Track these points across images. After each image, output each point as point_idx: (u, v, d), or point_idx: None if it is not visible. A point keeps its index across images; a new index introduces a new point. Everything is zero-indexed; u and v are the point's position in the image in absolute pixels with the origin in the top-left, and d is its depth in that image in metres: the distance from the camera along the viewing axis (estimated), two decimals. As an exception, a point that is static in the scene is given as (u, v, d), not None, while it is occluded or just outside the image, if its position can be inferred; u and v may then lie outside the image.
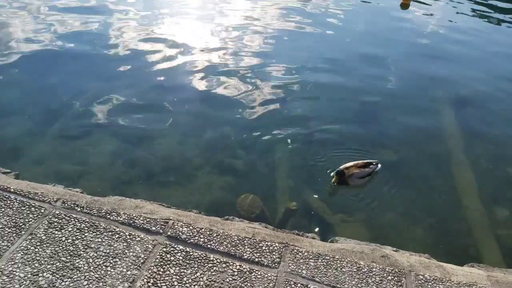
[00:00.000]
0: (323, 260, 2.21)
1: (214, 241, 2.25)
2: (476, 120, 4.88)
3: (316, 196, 3.61)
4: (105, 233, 2.20)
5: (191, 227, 2.31)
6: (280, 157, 4.14)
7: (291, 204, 3.54)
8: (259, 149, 4.20)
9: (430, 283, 2.13)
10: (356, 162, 3.75)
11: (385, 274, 2.15)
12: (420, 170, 3.97)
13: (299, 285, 2.06)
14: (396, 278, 2.14)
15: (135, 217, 2.32)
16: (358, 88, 5.46)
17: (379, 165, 3.80)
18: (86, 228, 2.23)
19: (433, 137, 4.50)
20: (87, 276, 1.98)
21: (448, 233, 3.28)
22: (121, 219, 2.31)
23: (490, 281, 2.20)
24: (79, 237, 2.18)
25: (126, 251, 2.12)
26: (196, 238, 2.25)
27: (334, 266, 2.19)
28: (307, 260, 2.21)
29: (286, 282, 2.07)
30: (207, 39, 6.78)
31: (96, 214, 2.33)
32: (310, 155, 4.11)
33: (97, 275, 1.98)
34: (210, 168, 3.94)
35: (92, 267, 2.02)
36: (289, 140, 4.30)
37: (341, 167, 3.70)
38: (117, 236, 2.20)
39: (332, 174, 3.68)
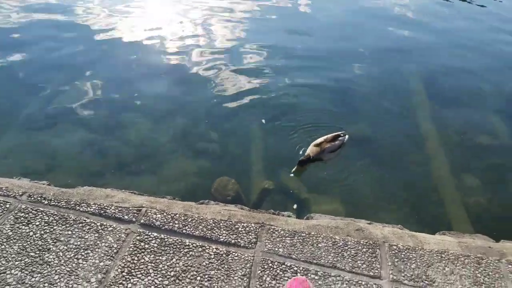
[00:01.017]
0: (299, 237, 2.22)
1: (189, 226, 2.22)
2: (445, 93, 4.98)
3: (292, 174, 3.62)
4: (75, 225, 2.14)
5: (165, 213, 2.27)
6: (254, 137, 4.12)
7: (267, 184, 3.53)
8: (233, 131, 4.17)
9: (403, 253, 2.17)
10: (325, 137, 3.80)
11: (360, 247, 2.19)
12: (392, 144, 4.03)
13: (276, 263, 2.06)
14: (370, 250, 2.18)
15: (106, 207, 2.26)
16: (331, 67, 5.46)
17: (347, 136, 3.88)
18: (55, 221, 2.16)
19: (404, 111, 4.57)
20: (58, 270, 1.92)
21: (420, 203, 3.36)
22: (92, 209, 2.24)
23: (460, 247, 2.27)
24: (47, 231, 2.11)
25: (98, 242, 2.06)
26: (171, 224, 2.22)
27: (310, 242, 2.20)
28: (284, 238, 2.22)
29: (264, 261, 2.07)
30: (176, 23, 6.62)
31: (64, 206, 2.25)
32: (284, 134, 4.11)
33: (68, 269, 1.93)
34: (183, 154, 3.88)
35: (63, 261, 1.96)
36: (263, 120, 4.28)
37: (312, 143, 3.76)
38: (88, 227, 2.14)
39: (293, 170, 3.65)
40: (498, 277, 2.09)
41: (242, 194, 3.45)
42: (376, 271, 2.06)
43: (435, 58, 5.86)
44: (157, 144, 3.96)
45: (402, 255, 2.16)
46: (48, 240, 2.06)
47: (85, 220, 2.17)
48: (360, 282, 2.00)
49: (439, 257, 2.17)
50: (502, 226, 3.16)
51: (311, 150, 3.70)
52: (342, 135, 3.87)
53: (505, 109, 4.73)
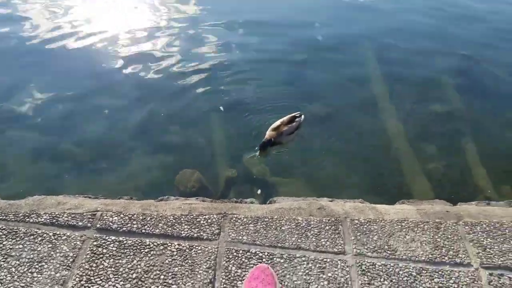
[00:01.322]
0: (262, 223, 2.21)
1: (148, 225, 2.16)
2: (397, 64, 5.07)
3: (257, 156, 3.61)
4: (26, 238, 2.03)
5: (122, 215, 2.20)
6: (214, 126, 4.06)
7: (230, 172, 3.51)
8: (192, 122, 4.09)
9: (365, 226, 2.20)
10: (282, 119, 3.80)
11: (322, 225, 2.20)
12: (350, 119, 4.08)
13: (240, 251, 2.04)
14: (333, 227, 2.19)
15: (58, 215, 2.16)
16: (285, 47, 5.44)
17: (303, 116, 3.88)
18: (4, 236, 2.04)
19: (360, 86, 4.63)
20: (12, 287, 1.82)
21: (381, 175, 3.43)
22: (43, 219, 2.14)
23: (419, 214, 2.32)
24: (-3, 247, 1.99)
25: (52, 252, 1.97)
26: (129, 225, 2.15)
27: (273, 226, 2.19)
28: (247, 225, 2.20)
29: (228, 251, 2.05)
30: (126, 19, 6.36)
31: (13, 219, 2.14)
32: (244, 119, 4.08)
33: (22, 284, 1.83)
34: (144, 149, 3.78)
35: (16, 277, 1.86)
36: (221, 108, 4.22)
37: (270, 127, 3.77)
38: (40, 238, 2.04)
39: (256, 149, 3.67)
40: (456, 239, 2.16)
41: (207, 185, 3.41)
42: (340, 247, 2.08)
43: (386, 27, 5.94)
44: (115, 142, 3.84)
45: (364, 228, 2.19)
46: (-1, 256, 1.95)
47: (36, 232, 2.07)
48: (325, 259, 2.02)
49: (400, 226, 2.21)
50: (459, 190, 3.28)
51: (269, 134, 3.69)
52: (298, 115, 3.86)
53: (456, 76, 4.87)
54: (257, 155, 3.62)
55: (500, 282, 1.94)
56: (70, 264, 1.92)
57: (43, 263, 1.92)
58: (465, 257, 2.06)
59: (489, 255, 2.07)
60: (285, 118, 3.80)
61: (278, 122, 3.77)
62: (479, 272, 1.99)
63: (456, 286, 1.91)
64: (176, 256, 2.01)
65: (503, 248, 2.11)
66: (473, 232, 2.20)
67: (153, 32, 5.83)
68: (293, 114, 3.86)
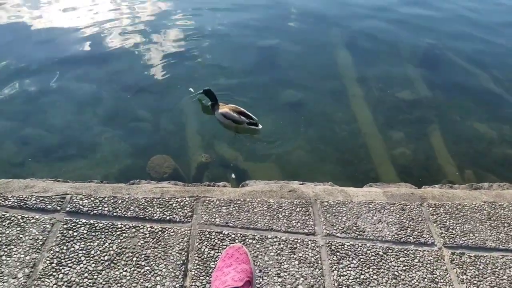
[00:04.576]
0: (235, 205, 2.24)
1: (120, 208, 2.14)
2: (366, 52, 5.17)
3: (227, 145, 3.62)
4: (-8, 221, 1.98)
5: (92, 198, 2.17)
6: (185, 110, 4.04)
7: (203, 157, 3.50)
8: (163, 106, 4.05)
9: (334, 207, 2.27)
10: (241, 110, 3.83)
11: (293, 207, 2.25)
12: (321, 106, 4.15)
13: (213, 233, 2.07)
14: (304, 208, 2.25)
15: (26, 198, 2.11)
16: (255, 31, 5.44)
17: (260, 126, 3.78)
18: (-31, 220, 1.98)
19: (330, 74, 4.70)
20: (-21, 271, 1.78)
21: (350, 161, 3.52)
22: (10, 203, 2.08)
23: (386, 196, 2.41)
24: (-38, 232, 1.93)
25: (21, 235, 1.93)
26: (100, 208, 2.13)
27: (246, 208, 2.22)
28: (220, 208, 2.22)
29: (201, 233, 2.06)
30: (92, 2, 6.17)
31: (-21, 203, 2.07)
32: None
33: (-10, 267, 1.79)
34: (114, 135, 3.71)
35: (-17, 260, 1.82)
36: (191, 89, 4.18)
37: (235, 106, 3.88)
38: (8, 221, 1.99)
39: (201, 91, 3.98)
40: (421, 220, 2.26)
41: (180, 170, 3.40)
42: (310, 228, 2.14)
43: (353, 17, 6.04)
44: (83, 127, 3.75)
45: (333, 210, 2.25)
46: (-37, 241, 1.90)
47: (3, 215, 2.02)
48: (296, 240, 2.07)
49: (367, 207, 2.29)
50: (425, 174, 3.42)
51: (225, 106, 3.88)
52: (253, 120, 3.78)
53: (423, 65, 5.01)
54: (194, 93, 4.01)
55: (461, 260, 2.05)
56: (40, 247, 1.89)
57: (12, 246, 1.88)
58: (429, 237, 2.16)
59: (452, 235, 2.18)
60: (243, 110, 3.81)
61: (243, 109, 3.82)
62: (442, 251, 2.09)
63: (420, 264, 2.01)
64: (149, 238, 2.01)
65: (464, 229, 2.22)
66: (437, 214, 2.31)
67: (118, 13, 5.70)
68: (251, 115, 3.78)
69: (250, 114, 3.80)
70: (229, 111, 3.78)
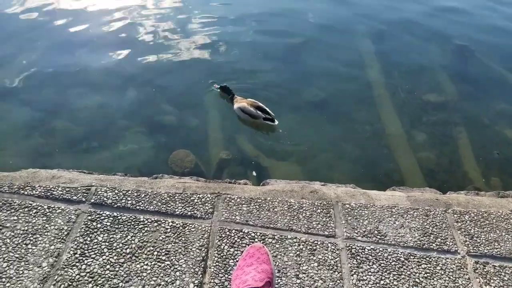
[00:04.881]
0: (255, 204, 2.24)
1: (143, 201, 2.18)
2: (393, 52, 5.07)
3: (248, 142, 3.62)
4: (20, 210, 2.04)
5: (116, 191, 2.21)
6: (209, 107, 4.06)
7: (225, 154, 3.52)
8: (187, 101, 4.07)
9: (356, 210, 2.24)
10: (258, 104, 3.83)
11: (314, 208, 2.23)
12: (344, 106, 4.09)
13: (233, 231, 2.08)
14: (325, 210, 2.23)
15: (52, 189, 2.17)
16: (280, 31, 5.41)
17: (276, 122, 3.77)
18: (-2, 208, 2.05)
19: (355, 73, 4.63)
20: (6, 258, 1.84)
21: (373, 162, 3.46)
22: (37, 192, 2.14)
23: (409, 201, 2.37)
24: (-9, 218, 2.00)
25: (47, 225, 1.99)
26: (123, 201, 2.16)
27: (266, 207, 2.22)
28: (240, 206, 2.22)
29: (221, 230, 2.08)
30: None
31: (8, 191, 2.14)
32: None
33: (17, 255, 1.85)
34: (138, 128, 3.76)
35: (10, 247, 1.88)
36: (215, 86, 4.20)
37: (253, 101, 3.90)
38: (34, 211, 2.05)
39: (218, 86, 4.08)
40: (445, 226, 2.21)
41: (201, 165, 3.42)
42: (331, 230, 2.12)
43: (381, 16, 5.92)
44: (108, 120, 3.82)
45: (355, 213, 2.23)
46: (-7, 227, 1.96)
47: (31, 204, 2.08)
48: (316, 242, 2.05)
49: (390, 212, 2.26)
50: (450, 179, 3.34)
51: (246, 101, 3.88)
52: (270, 116, 3.78)
53: (451, 66, 4.88)
54: (214, 88, 4.08)
55: (485, 270, 2.00)
56: (64, 237, 1.94)
57: (38, 235, 1.94)
58: (452, 244, 2.11)
59: (476, 244, 2.12)
60: (260, 104, 3.84)
61: (260, 104, 3.83)
62: (466, 259, 2.05)
63: (442, 272, 1.97)
64: (170, 233, 2.03)
65: (489, 237, 2.16)
66: (461, 221, 2.25)
67: (144, 12, 5.75)
68: (268, 110, 3.79)
69: (267, 109, 3.80)
70: (247, 105, 3.81)
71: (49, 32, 5.10)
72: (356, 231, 2.13)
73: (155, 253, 1.94)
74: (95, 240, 1.95)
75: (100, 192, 2.19)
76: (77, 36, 5.06)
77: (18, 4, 5.65)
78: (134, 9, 5.74)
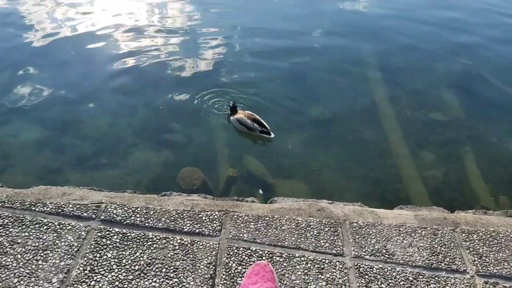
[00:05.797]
0: (263, 222, 2.25)
1: (151, 218, 2.20)
2: (398, 71, 5.12)
3: (255, 160, 3.65)
4: (31, 226, 2.07)
5: (126, 208, 2.23)
6: (216, 125, 4.11)
7: (232, 171, 3.54)
8: (194, 119, 4.14)
9: (363, 229, 2.24)
10: (255, 117, 3.92)
11: (322, 226, 2.24)
12: (351, 124, 4.13)
13: (241, 249, 2.08)
14: (332, 228, 2.23)
15: (63, 205, 2.20)
16: (287, 49, 5.50)
17: (272, 135, 3.88)
18: (10, 224, 2.08)
19: (360, 91, 4.67)
20: (17, 273, 1.86)
21: (380, 181, 3.47)
22: (48, 209, 2.17)
23: (417, 220, 2.36)
24: (3, 234, 2.03)
25: (57, 241, 2.01)
26: (132, 218, 2.18)
27: (274, 225, 2.23)
28: (248, 223, 2.23)
29: (229, 248, 2.08)
30: (129, 16, 6.42)
31: (19, 208, 2.17)
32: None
33: (28, 271, 1.87)
34: (146, 145, 3.82)
35: (21, 263, 1.90)
36: (225, 106, 4.26)
37: (251, 113, 4.00)
38: (45, 227, 2.07)
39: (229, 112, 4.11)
40: (453, 246, 2.20)
41: (209, 183, 3.45)
42: (339, 249, 2.12)
43: (387, 35, 6.00)
44: (117, 138, 3.88)
45: (363, 231, 2.23)
46: (5, 243, 1.99)
47: (42, 220, 2.10)
48: (323, 260, 2.05)
49: (398, 230, 2.25)
50: (457, 197, 3.33)
51: (242, 113, 3.99)
52: (265, 129, 3.88)
53: (456, 85, 4.91)
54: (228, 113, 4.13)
55: (494, 290, 1.98)
56: (74, 254, 1.96)
57: (48, 251, 1.96)
58: (461, 264, 2.10)
59: (485, 263, 2.11)
60: (257, 117, 3.94)
61: (257, 117, 3.93)
62: (475, 279, 2.03)
63: (451, 292, 1.95)
64: (178, 250, 2.04)
65: (498, 257, 2.15)
66: (470, 240, 2.24)
67: (152, 28, 5.89)
68: (264, 124, 3.90)
69: (264, 123, 3.88)
70: (244, 117, 3.88)
71: (57, 52, 5.22)
72: (364, 250, 2.12)
73: (164, 270, 1.94)
74: (105, 257, 1.97)
75: (110, 209, 2.22)
76: (84, 54, 5.19)
77: (27, 26, 5.81)
78: (138, 28, 5.88)
